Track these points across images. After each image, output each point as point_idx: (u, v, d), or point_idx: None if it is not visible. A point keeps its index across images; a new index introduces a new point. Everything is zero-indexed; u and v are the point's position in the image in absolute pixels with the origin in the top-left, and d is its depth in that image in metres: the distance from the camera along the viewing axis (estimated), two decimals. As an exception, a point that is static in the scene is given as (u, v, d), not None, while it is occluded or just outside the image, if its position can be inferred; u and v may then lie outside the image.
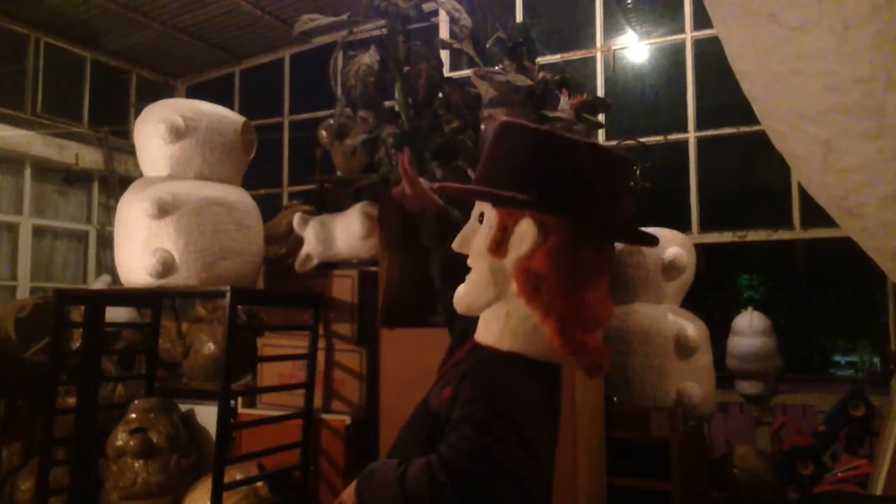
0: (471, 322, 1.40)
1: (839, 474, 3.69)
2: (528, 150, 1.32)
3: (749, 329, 5.15)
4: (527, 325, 1.28)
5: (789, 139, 1.43)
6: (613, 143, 5.24)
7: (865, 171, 1.25)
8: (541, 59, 4.87)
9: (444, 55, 4.51)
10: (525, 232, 1.28)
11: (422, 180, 1.78)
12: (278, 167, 7.49)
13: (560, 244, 1.27)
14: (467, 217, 1.39)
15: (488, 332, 1.33)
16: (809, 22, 1.18)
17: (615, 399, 3.45)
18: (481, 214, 1.35)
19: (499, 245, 1.30)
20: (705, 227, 5.57)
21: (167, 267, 3.25)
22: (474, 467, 1.12)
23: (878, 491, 2.88)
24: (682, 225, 5.28)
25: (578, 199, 1.28)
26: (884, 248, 1.40)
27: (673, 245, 3.74)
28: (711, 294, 7.81)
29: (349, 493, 1.31)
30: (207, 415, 3.60)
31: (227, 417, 3.02)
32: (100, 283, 6.20)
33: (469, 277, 1.34)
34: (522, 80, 3.34)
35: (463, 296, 1.35)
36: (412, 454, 1.23)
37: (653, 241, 1.44)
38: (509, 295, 1.29)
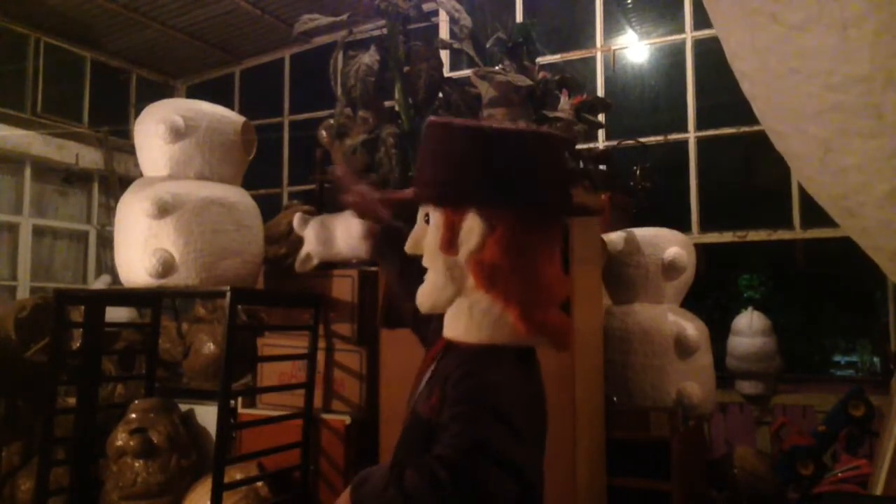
0: (441, 322, 1.43)
1: (839, 474, 3.69)
2: (461, 146, 1.36)
3: (749, 329, 5.16)
4: (491, 314, 1.32)
5: (789, 139, 1.43)
6: (613, 142, 5.24)
7: (865, 171, 1.25)
8: (541, 59, 4.87)
9: (444, 55, 4.51)
10: (472, 227, 1.32)
11: (366, 189, 1.80)
12: (278, 167, 7.49)
13: (507, 232, 1.31)
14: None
15: (456, 328, 1.36)
16: (809, 21, 1.18)
17: (615, 399, 3.45)
18: (426, 215, 1.39)
19: (449, 243, 1.34)
20: (705, 227, 5.57)
21: (167, 267, 3.25)
22: (472, 461, 1.13)
23: (878, 491, 2.88)
24: (682, 225, 5.28)
25: (519, 187, 1.33)
26: (884, 248, 1.40)
27: (673, 245, 3.74)
28: (711, 294, 7.81)
29: (343, 501, 1.31)
30: (207, 415, 3.60)
31: (227, 417, 3.02)
32: (100, 283, 6.21)
33: (427, 278, 1.38)
34: (522, 80, 3.34)
35: (425, 296, 1.39)
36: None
37: (596, 211, 1.52)
38: (468, 288, 1.34)
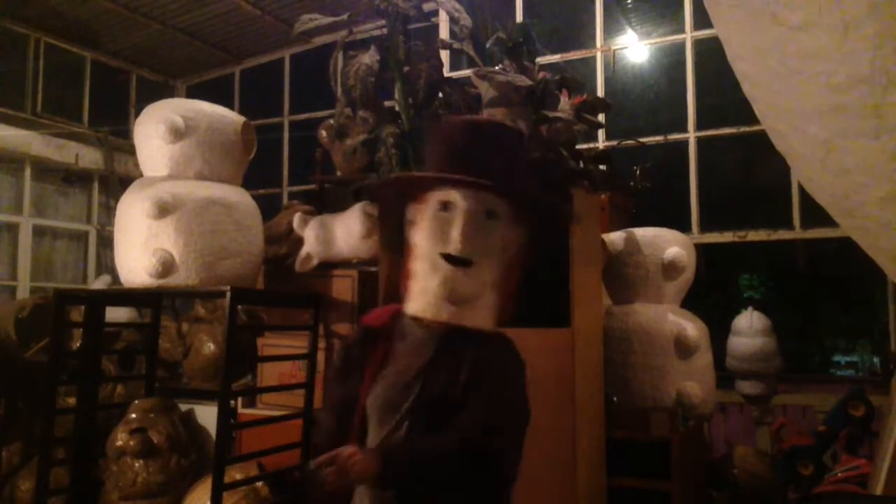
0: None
1: (839, 474, 3.69)
2: (521, 153, 1.52)
3: (749, 329, 5.15)
4: (496, 306, 1.48)
5: (789, 139, 1.43)
6: (613, 142, 5.24)
7: (865, 171, 1.26)
8: (541, 59, 4.87)
9: (444, 55, 4.51)
10: (519, 233, 1.47)
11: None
12: (278, 167, 7.49)
13: (523, 238, 1.49)
14: None
15: (479, 318, 1.46)
16: (809, 22, 1.19)
17: (615, 399, 3.45)
18: (489, 212, 1.42)
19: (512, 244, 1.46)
20: (705, 227, 5.57)
21: (167, 267, 3.25)
22: (514, 417, 1.41)
23: (878, 491, 2.88)
24: (682, 225, 5.28)
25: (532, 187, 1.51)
26: (884, 248, 1.40)
27: (673, 245, 3.74)
28: (711, 294, 7.81)
29: (363, 460, 1.32)
30: (207, 415, 3.60)
31: (227, 417, 3.02)
32: (100, 283, 6.20)
33: (477, 274, 1.43)
34: (522, 80, 3.34)
35: (471, 291, 1.44)
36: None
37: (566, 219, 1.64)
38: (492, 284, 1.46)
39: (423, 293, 1.46)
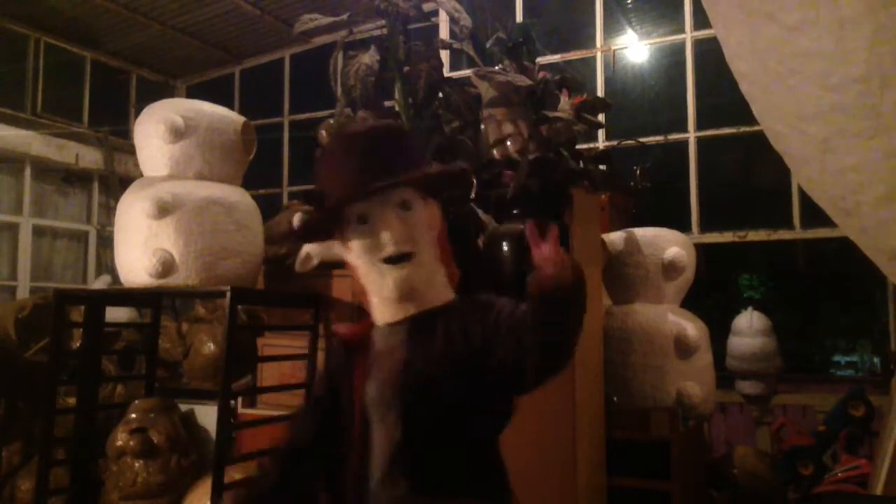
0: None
1: (839, 474, 3.69)
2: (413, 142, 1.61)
3: (749, 329, 5.15)
4: (444, 278, 1.55)
5: (787, 139, 1.43)
6: (613, 142, 5.24)
7: (863, 171, 1.26)
8: (541, 59, 4.87)
9: (444, 55, 4.51)
10: (434, 208, 1.54)
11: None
12: (278, 167, 7.49)
13: (438, 209, 1.56)
14: None
15: (441, 294, 1.52)
16: (806, 22, 1.19)
17: (615, 399, 3.45)
18: (401, 204, 1.47)
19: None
20: (705, 227, 5.57)
21: (167, 267, 3.25)
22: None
23: (878, 491, 2.88)
24: (682, 225, 5.28)
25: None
26: (882, 248, 1.40)
27: (673, 245, 3.74)
28: (711, 294, 7.81)
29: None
30: (207, 415, 3.60)
31: (227, 417, 3.02)
32: (100, 283, 6.20)
33: (420, 261, 1.47)
34: (522, 80, 3.35)
35: (423, 278, 1.49)
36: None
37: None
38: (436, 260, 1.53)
39: (383, 302, 1.51)
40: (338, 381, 1.58)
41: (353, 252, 1.50)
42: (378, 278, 1.48)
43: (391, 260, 1.45)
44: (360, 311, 1.61)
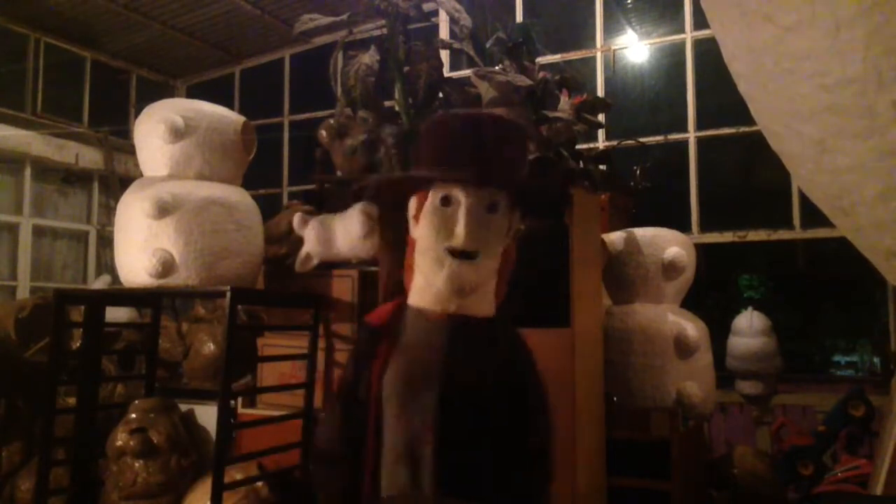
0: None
1: (839, 474, 3.69)
2: (523, 144, 1.59)
3: (749, 329, 5.15)
4: (496, 291, 1.54)
5: (784, 139, 1.43)
6: (613, 142, 5.24)
7: (858, 171, 1.26)
8: (541, 59, 4.87)
9: (444, 55, 4.51)
10: (517, 218, 1.53)
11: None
12: (278, 167, 7.49)
13: (518, 223, 1.56)
14: None
15: (485, 305, 1.51)
16: (802, 23, 1.19)
17: (615, 399, 3.45)
18: (490, 205, 1.45)
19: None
20: (705, 227, 5.57)
21: (167, 267, 3.25)
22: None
23: (878, 491, 2.88)
24: (682, 225, 5.29)
25: None
26: (878, 248, 1.40)
27: (673, 245, 3.74)
28: (711, 294, 7.82)
29: None
30: (207, 415, 3.60)
31: (227, 417, 3.02)
32: (100, 283, 6.20)
33: (482, 264, 1.46)
34: (522, 80, 3.34)
35: (478, 280, 1.48)
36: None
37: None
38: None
39: (428, 287, 1.48)
40: (361, 367, 1.56)
41: (422, 229, 1.48)
42: (434, 263, 1.45)
43: (456, 253, 1.43)
44: (397, 286, 1.60)
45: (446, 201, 1.44)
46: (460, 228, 1.42)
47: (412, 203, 1.52)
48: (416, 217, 1.50)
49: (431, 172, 1.48)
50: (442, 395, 1.43)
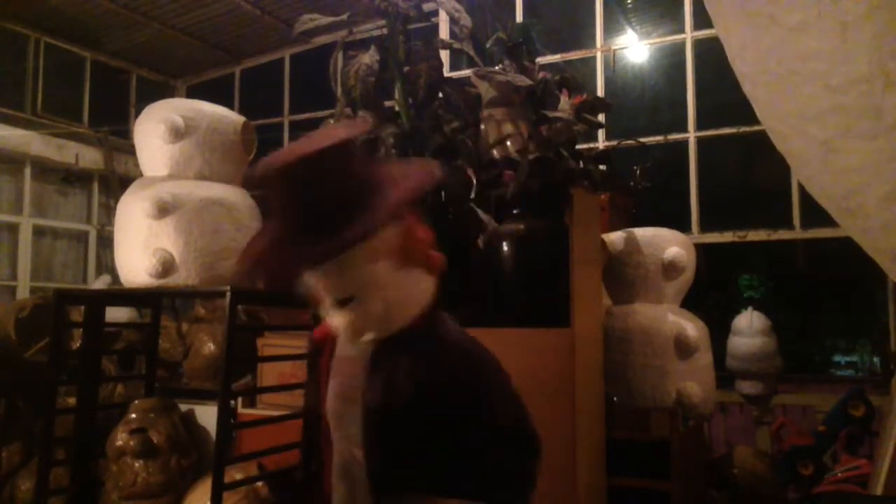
0: None
1: (839, 474, 3.69)
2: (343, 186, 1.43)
3: (749, 329, 5.15)
4: (420, 293, 1.49)
5: (789, 139, 1.43)
6: (613, 142, 5.24)
7: (865, 172, 1.26)
8: (541, 59, 4.88)
9: (444, 55, 4.51)
10: (397, 229, 1.45)
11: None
12: (278, 167, 7.48)
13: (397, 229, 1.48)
14: None
15: (399, 319, 1.45)
16: (808, 23, 1.19)
17: (615, 399, 3.45)
18: (341, 261, 1.40)
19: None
20: (705, 227, 5.57)
21: (167, 267, 3.25)
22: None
23: (878, 491, 2.88)
24: (682, 225, 5.29)
25: None
26: (884, 248, 1.40)
27: (673, 245, 3.74)
28: (711, 294, 7.82)
29: None
30: (207, 415, 3.60)
31: (227, 417, 3.02)
32: (100, 283, 6.20)
33: (364, 300, 1.42)
34: (522, 80, 3.34)
35: (374, 314, 1.43)
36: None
37: None
38: None
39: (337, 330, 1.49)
40: (312, 376, 1.61)
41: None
42: (334, 315, 1.45)
43: (338, 303, 1.42)
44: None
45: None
46: (322, 288, 1.42)
47: None
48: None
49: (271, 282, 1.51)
50: (363, 415, 1.42)
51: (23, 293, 6.43)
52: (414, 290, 1.45)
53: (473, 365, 1.46)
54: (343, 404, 1.48)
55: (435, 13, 4.86)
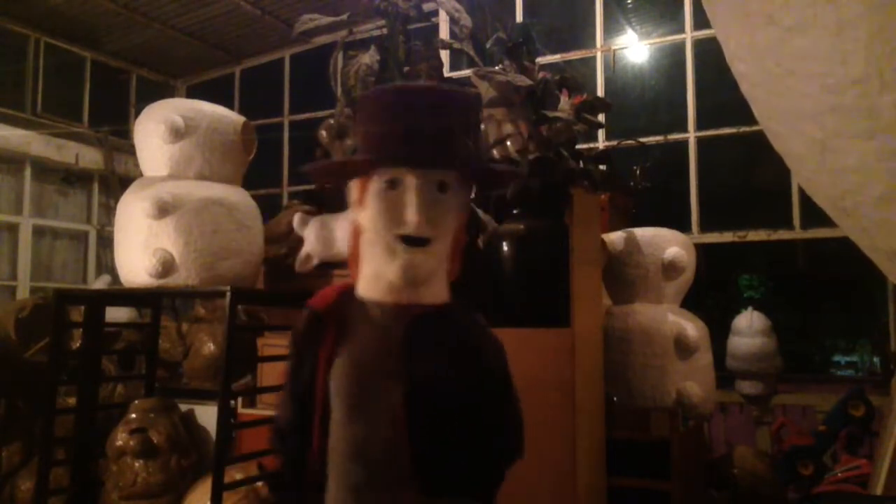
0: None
1: (839, 474, 3.69)
2: (471, 115, 1.43)
3: (749, 329, 5.15)
4: (448, 274, 1.43)
5: (787, 139, 1.43)
6: (613, 142, 5.25)
7: (861, 172, 1.26)
8: (541, 59, 4.87)
9: (444, 55, 4.51)
10: (468, 197, 1.44)
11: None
12: (278, 167, 7.49)
13: (468, 201, 1.49)
14: None
15: (439, 291, 1.41)
16: (805, 24, 1.19)
17: (615, 399, 3.45)
18: (440, 185, 1.33)
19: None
20: (705, 227, 5.57)
21: (167, 267, 3.25)
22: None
23: (878, 491, 2.88)
24: (682, 225, 5.29)
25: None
26: (881, 248, 1.40)
27: (673, 245, 3.74)
28: (711, 294, 7.82)
29: None
30: (207, 415, 3.60)
31: (227, 417, 3.02)
32: (100, 283, 6.20)
33: (434, 249, 1.34)
34: (522, 80, 3.34)
35: (430, 267, 1.37)
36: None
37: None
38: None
39: (378, 278, 1.37)
40: (304, 352, 1.44)
41: (368, 216, 1.34)
42: (385, 254, 1.33)
43: (409, 240, 1.30)
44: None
45: (392, 184, 1.31)
46: (411, 214, 1.29)
47: (354, 187, 1.38)
48: (360, 202, 1.36)
49: (372, 154, 1.34)
50: (406, 392, 1.33)
51: (23, 293, 6.43)
52: (455, 266, 1.44)
53: (498, 347, 1.48)
54: (367, 382, 1.36)
55: (435, 13, 4.85)
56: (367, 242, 1.36)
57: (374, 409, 1.34)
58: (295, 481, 1.48)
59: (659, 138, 5.74)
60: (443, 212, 1.33)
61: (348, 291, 1.44)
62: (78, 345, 3.87)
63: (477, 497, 1.40)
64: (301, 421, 1.44)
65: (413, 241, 1.31)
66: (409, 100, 1.37)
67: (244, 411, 3.57)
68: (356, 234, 1.40)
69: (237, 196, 3.57)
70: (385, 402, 1.34)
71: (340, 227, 3.56)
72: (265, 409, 3.51)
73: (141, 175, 3.61)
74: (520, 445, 1.50)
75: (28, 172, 6.67)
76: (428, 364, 1.35)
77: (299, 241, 3.62)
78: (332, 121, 3.93)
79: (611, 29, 6.24)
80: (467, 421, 1.36)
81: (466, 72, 4.70)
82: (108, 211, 7.07)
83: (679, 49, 5.85)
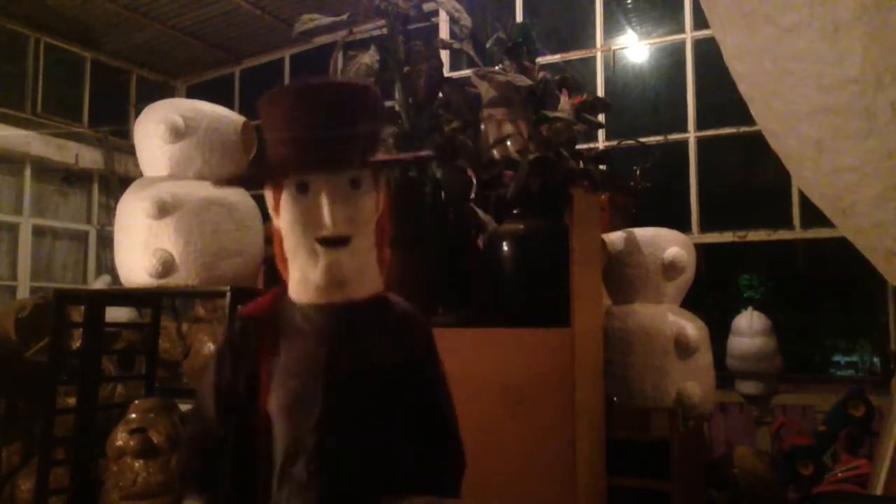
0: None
1: (839, 474, 3.69)
2: (371, 105, 1.39)
3: (749, 329, 5.15)
4: (375, 264, 1.43)
5: (784, 139, 1.44)
6: (613, 142, 5.25)
7: (857, 171, 1.26)
8: (541, 59, 4.87)
9: (444, 55, 4.51)
10: (385, 189, 1.41)
11: None
12: (278, 167, 7.48)
13: (386, 194, 1.44)
14: None
15: (369, 285, 1.40)
16: (801, 24, 1.19)
17: (615, 399, 3.45)
18: (352, 182, 1.33)
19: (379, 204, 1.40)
20: (705, 227, 5.57)
21: (167, 267, 3.25)
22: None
23: (878, 491, 2.88)
24: (682, 225, 5.29)
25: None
26: (878, 248, 1.41)
27: (673, 245, 3.74)
28: (711, 294, 7.82)
29: None
30: (207, 415, 3.60)
31: (226, 417, 3.02)
32: (100, 283, 6.20)
33: (356, 248, 1.35)
34: (522, 80, 3.34)
35: (356, 269, 1.37)
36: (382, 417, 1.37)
37: None
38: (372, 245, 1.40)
39: (306, 281, 1.37)
40: (239, 361, 1.43)
41: (285, 222, 1.35)
42: (307, 257, 1.34)
43: (327, 242, 1.31)
44: (269, 278, 1.51)
45: (303, 188, 1.31)
46: (326, 216, 1.29)
47: (267, 195, 1.39)
48: (275, 209, 1.37)
49: (276, 161, 1.33)
50: (330, 386, 1.34)
51: (23, 293, 6.44)
52: (385, 256, 1.44)
53: (432, 336, 1.51)
54: (302, 381, 1.36)
55: (435, 13, 4.86)
56: (290, 248, 1.37)
57: (308, 411, 1.35)
58: (200, 484, 1.47)
59: (659, 138, 5.74)
60: (358, 208, 1.34)
61: (281, 296, 1.45)
62: (78, 345, 3.87)
63: (431, 485, 1.41)
64: (224, 426, 1.43)
65: (332, 242, 1.32)
66: (305, 100, 1.34)
67: (244, 411, 3.57)
68: (277, 238, 1.41)
69: (237, 196, 3.57)
70: (315, 402, 1.35)
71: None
72: (265, 409, 3.51)
73: (141, 175, 3.61)
74: (454, 432, 1.49)
75: (28, 172, 6.68)
76: (349, 358, 1.37)
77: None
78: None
79: (611, 29, 6.24)
80: (391, 409, 1.38)
81: (466, 72, 4.70)
82: (108, 211, 7.08)
83: (679, 49, 5.84)
